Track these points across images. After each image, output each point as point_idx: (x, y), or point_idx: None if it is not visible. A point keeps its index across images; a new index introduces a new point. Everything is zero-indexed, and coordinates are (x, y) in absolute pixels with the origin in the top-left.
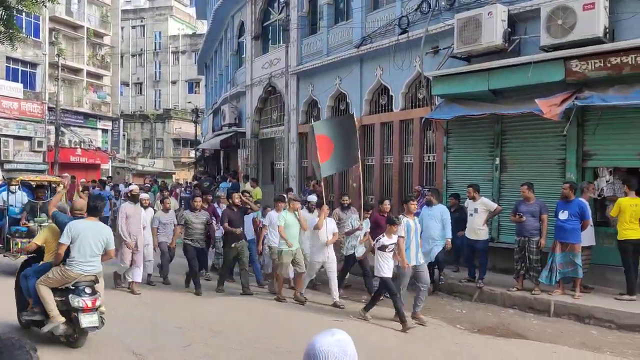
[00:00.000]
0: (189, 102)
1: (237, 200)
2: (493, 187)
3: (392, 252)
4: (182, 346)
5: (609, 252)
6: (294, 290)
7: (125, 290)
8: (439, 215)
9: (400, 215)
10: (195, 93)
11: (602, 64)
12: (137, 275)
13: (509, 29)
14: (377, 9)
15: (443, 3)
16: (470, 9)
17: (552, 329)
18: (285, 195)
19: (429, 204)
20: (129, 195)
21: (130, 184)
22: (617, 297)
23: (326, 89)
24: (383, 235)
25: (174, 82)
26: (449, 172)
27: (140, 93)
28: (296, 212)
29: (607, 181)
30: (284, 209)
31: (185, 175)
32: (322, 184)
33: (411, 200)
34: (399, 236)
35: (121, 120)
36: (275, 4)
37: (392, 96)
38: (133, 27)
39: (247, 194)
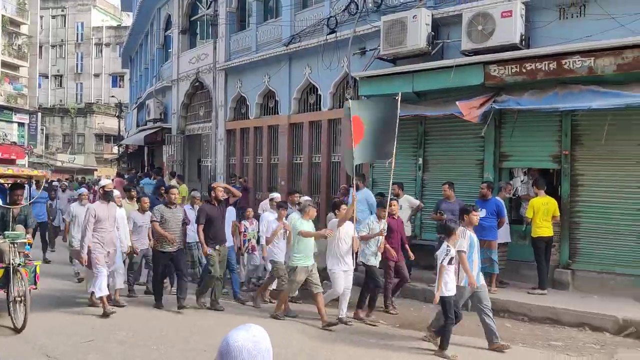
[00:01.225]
0: (113, 96)
1: (221, 194)
2: (416, 186)
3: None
4: (97, 348)
5: (523, 248)
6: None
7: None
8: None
9: (461, 227)
10: (120, 87)
11: (518, 70)
12: (119, 282)
13: (433, 33)
14: (306, 8)
15: (370, 5)
16: (396, 12)
17: (469, 322)
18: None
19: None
20: (101, 192)
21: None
22: (529, 291)
23: (255, 86)
24: (449, 246)
25: (96, 75)
26: (375, 171)
27: (61, 86)
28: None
29: (521, 181)
30: (291, 217)
31: (107, 172)
32: (353, 176)
33: (473, 210)
34: (460, 251)
35: (39, 114)
36: None
37: (320, 95)
38: (53, 16)
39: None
